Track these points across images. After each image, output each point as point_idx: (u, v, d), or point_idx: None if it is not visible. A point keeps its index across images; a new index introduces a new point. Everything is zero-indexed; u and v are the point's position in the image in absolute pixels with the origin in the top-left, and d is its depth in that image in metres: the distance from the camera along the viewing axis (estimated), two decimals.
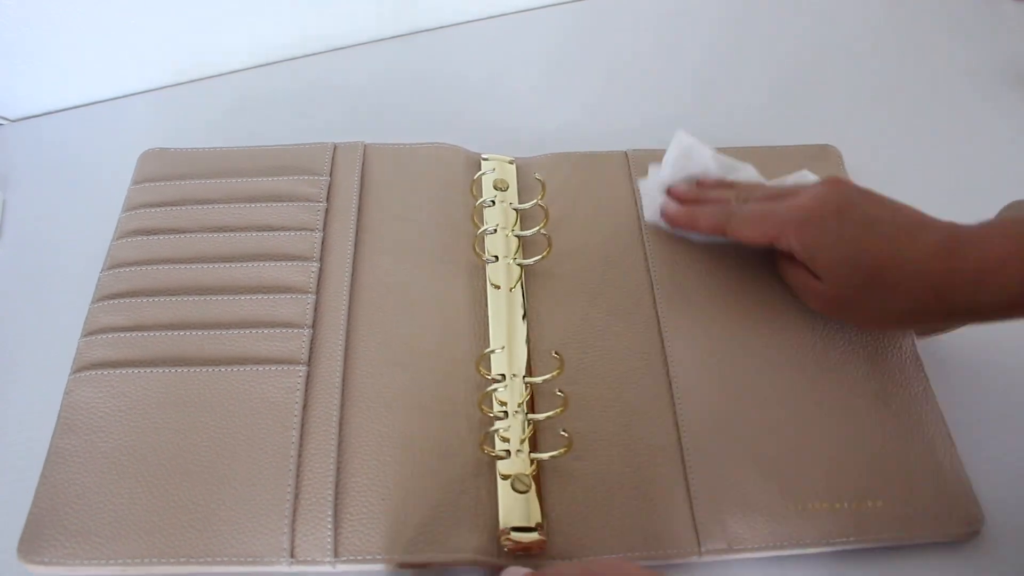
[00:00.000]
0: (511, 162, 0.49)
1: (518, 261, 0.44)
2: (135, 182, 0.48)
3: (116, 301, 0.42)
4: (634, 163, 0.49)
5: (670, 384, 0.40)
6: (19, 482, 0.38)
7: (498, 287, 0.43)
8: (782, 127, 0.54)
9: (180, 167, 0.48)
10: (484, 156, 0.49)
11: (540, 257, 0.44)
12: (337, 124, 0.55)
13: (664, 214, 0.45)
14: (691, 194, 0.45)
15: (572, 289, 0.44)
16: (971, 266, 0.34)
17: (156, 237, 0.44)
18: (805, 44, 0.61)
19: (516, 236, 0.45)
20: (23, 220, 0.51)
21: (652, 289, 0.44)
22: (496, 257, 0.44)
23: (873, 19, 0.63)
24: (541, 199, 0.46)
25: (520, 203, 0.47)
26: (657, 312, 0.43)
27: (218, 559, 0.34)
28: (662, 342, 0.42)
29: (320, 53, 0.61)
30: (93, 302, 0.42)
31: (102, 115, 0.57)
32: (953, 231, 0.36)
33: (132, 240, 0.44)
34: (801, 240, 0.38)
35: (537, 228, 0.45)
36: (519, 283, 0.44)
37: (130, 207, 0.46)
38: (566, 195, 0.48)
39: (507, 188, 0.47)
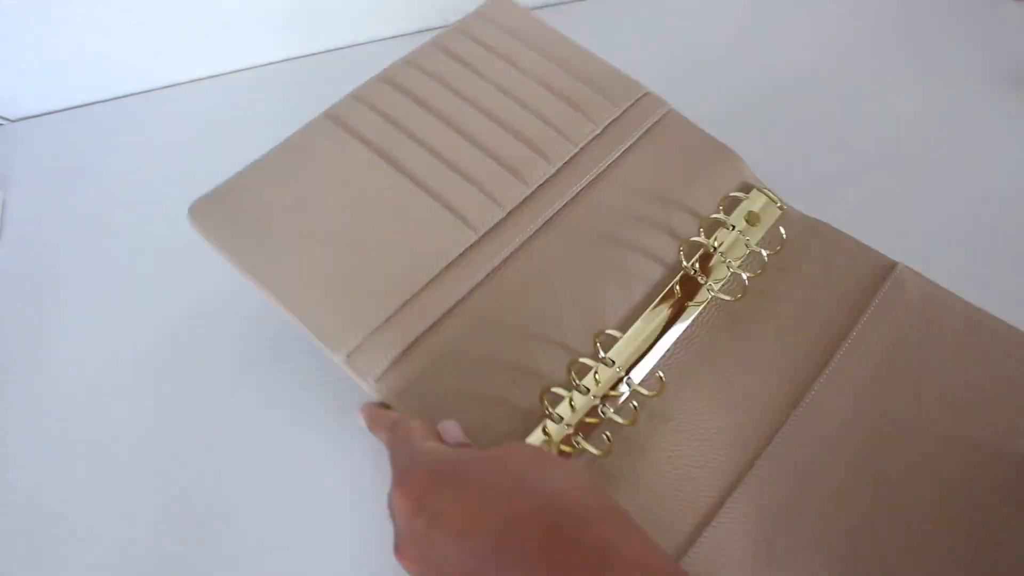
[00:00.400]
0: (780, 207, 0.46)
1: (715, 292, 0.43)
2: (479, 15, 0.51)
3: (397, 94, 0.46)
4: (899, 281, 0.44)
5: (738, 480, 0.38)
6: (18, 481, 0.38)
7: (678, 295, 0.43)
8: (780, 124, 0.54)
9: (517, 24, 0.51)
10: (760, 187, 0.47)
11: (733, 298, 0.43)
12: None
13: None
14: None
15: (735, 347, 0.42)
16: None
17: (458, 65, 0.48)
18: (802, 45, 0.61)
19: (733, 271, 0.43)
20: (23, 220, 0.51)
21: (802, 397, 0.40)
22: (696, 271, 0.43)
23: (872, 19, 0.63)
24: (777, 252, 0.44)
25: (758, 246, 0.44)
26: (786, 417, 0.40)
27: (304, 316, 0.38)
28: (762, 448, 0.39)
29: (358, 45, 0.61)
30: (379, 79, 0.47)
31: (102, 115, 0.57)
32: None
33: (440, 55, 0.48)
34: None
35: (752, 274, 0.43)
36: (700, 308, 0.43)
37: (459, 28, 0.50)
38: (805, 265, 0.45)
39: (756, 224, 0.45)
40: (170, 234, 0.50)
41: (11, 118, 0.57)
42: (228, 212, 0.41)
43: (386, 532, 0.29)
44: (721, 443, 0.39)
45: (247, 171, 0.43)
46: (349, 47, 0.61)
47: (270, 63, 0.60)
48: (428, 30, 0.63)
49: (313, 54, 0.61)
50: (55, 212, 0.51)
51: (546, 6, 0.64)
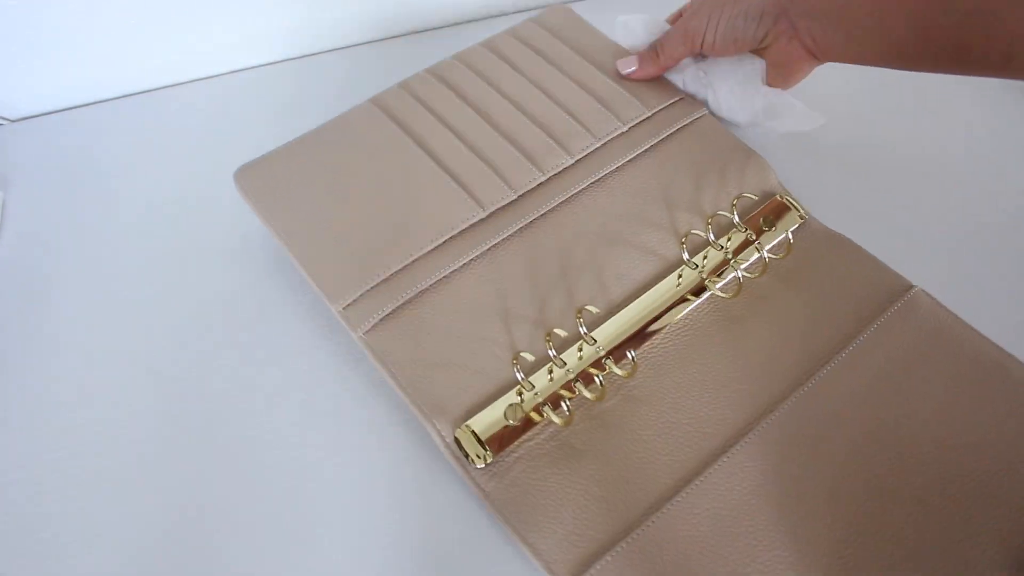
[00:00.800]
0: (802, 216, 0.46)
1: (712, 286, 0.43)
2: (534, 20, 0.53)
3: (439, 84, 0.49)
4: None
5: (694, 475, 0.37)
6: (22, 491, 0.37)
7: (678, 287, 0.43)
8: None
9: (568, 31, 0.53)
10: (783, 195, 0.47)
11: (728, 296, 0.42)
12: None
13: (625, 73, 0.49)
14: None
15: (725, 344, 0.42)
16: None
17: (502, 62, 0.50)
18: None
19: (736, 270, 0.43)
20: (23, 220, 0.51)
21: (781, 402, 0.40)
22: (697, 265, 0.43)
23: None
24: (782, 257, 0.44)
25: (769, 252, 0.44)
26: (759, 421, 0.39)
27: (312, 271, 0.41)
28: (728, 447, 0.38)
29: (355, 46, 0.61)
30: (426, 71, 0.50)
31: (102, 115, 0.57)
32: None
33: (489, 55, 0.51)
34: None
35: (755, 275, 0.43)
36: (691, 296, 0.42)
37: (512, 32, 0.53)
38: (817, 276, 0.44)
39: (771, 228, 0.45)
40: (170, 234, 0.50)
41: (11, 118, 0.57)
42: (267, 177, 0.45)
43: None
44: (689, 435, 0.39)
45: (291, 144, 0.46)
46: (350, 47, 0.61)
47: (270, 63, 0.60)
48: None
49: (314, 54, 0.61)
50: (55, 212, 0.51)
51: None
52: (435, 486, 0.39)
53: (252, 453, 0.40)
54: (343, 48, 0.61)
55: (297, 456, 0.40)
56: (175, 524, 0.38)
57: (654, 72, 0.49)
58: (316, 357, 0.43)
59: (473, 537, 0.37)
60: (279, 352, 0.44)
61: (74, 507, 0.39)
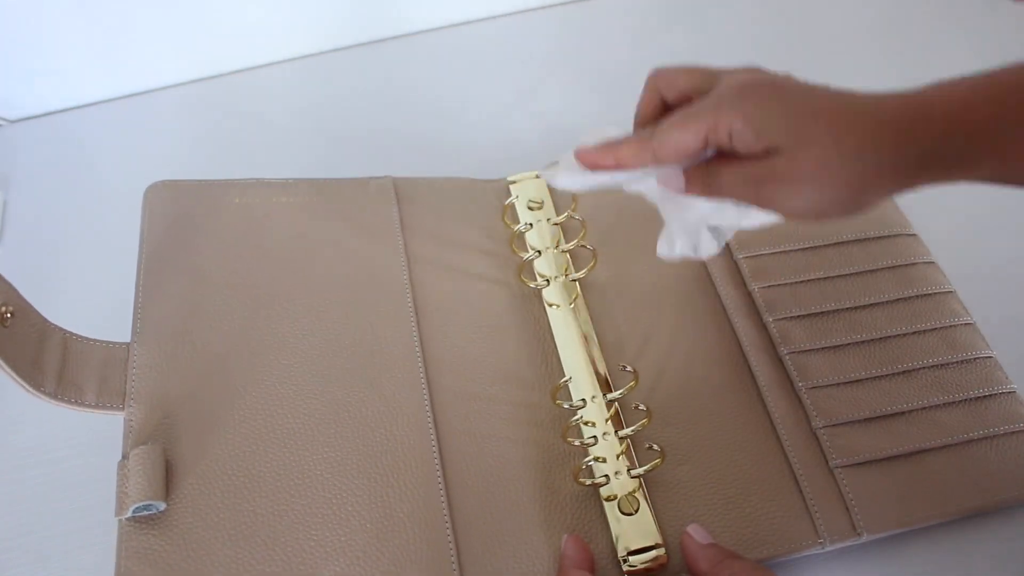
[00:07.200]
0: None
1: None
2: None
3: None
4: None
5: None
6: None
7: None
8: None
9: None
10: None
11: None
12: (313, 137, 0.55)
13: (578, 154, 0.32)
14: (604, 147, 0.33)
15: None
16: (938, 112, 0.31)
17: None
18: (802, 46, 0.61)
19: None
20: (23, 220, 0.50)
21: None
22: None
23: (871, 19, 0.63)
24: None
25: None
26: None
27: None
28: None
29: (314, 55, 0.61)
30: None
31: (102, 115, 0.57)
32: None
33: None
34: (744, 113, 0.30)
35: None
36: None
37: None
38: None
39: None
40: None
41: (11, 118, 0.56)
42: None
43: None
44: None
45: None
46: (352, 47, 0.61)
47: (271, 63, 0.60)
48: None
49: (313, 55, 0.61)
50: (55, 212, 0.51)
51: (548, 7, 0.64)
52: None
53: None
54: (347, 48, 0.61)
55: None
56: None
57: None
58: None
59: None
60: None
61: (78, 506, 0.38)
